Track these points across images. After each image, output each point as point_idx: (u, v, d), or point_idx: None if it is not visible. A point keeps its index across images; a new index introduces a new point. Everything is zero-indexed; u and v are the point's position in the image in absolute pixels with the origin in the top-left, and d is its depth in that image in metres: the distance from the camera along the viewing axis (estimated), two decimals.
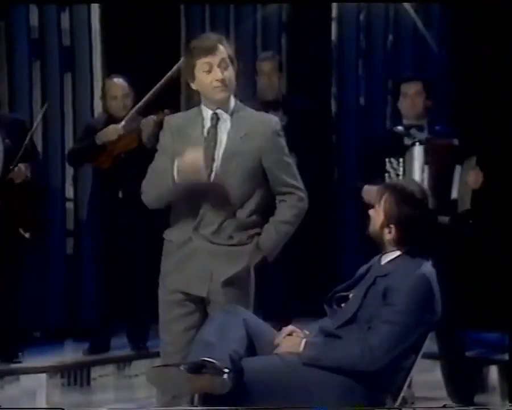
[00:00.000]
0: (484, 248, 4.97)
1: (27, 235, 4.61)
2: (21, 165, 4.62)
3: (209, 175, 3.14)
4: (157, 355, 3.85)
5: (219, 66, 3.14)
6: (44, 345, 5.16)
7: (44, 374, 4.67)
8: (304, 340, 2.97)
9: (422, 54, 5.71)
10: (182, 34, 5.83)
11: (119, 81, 4.98)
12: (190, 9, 5.84)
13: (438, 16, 5.64)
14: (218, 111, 3.20)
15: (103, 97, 5.08)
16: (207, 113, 3.21)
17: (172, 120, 3.29)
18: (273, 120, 3.26)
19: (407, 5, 5.63)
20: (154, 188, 3.18)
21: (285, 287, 5.26)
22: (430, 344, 3.98)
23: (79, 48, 5.62)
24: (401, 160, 4.33)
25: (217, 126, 3.19)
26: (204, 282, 3.15)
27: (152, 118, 4.72)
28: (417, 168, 4.31)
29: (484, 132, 4.96)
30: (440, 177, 4.29)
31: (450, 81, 5.51)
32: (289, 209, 3.22)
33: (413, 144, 4.34)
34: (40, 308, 5.40)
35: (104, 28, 5.65)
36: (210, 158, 3.15)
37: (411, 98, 4.42)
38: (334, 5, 5.85)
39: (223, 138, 3.18)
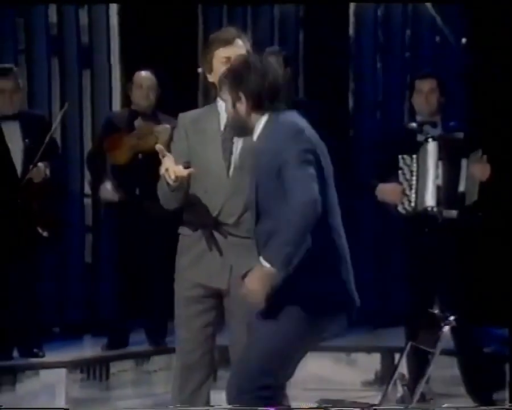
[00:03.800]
0: (497, 242, 4.96)
1: (44, 234, 4.65)
2: (41, 165, 4.65)
3: (228, 169, 3.15)
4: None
5: None
6: (64, 341, 5.20)
7: (64, 369, 4.70)
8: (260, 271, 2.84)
9: (440, 49, 5.69)
10: (199, 31, 5.84)
11: (147, 72, 5.03)
12: (207, 7, 5.85)
13: (456, 12, 5.62)
14: None
15: (129, 89, 5.10)
16: (223, 106, 3.18)
17: (187, 116, 3.28)
18: None
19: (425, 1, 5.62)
20: (163, 192, 3.14)
21: None
22: (448, 341, 4.02)
23: (97, 45, 5.65)
24: (414, 156, 4.33)
25: None
26: (224, 274, 3.14)
27: (167, 127, 4.68)
28: (432, 164, 4.32)
29: (495, 125, 4.96)
30: (451, 172, 4.30)
31: (468, 76, 5.49)
32: None
33: (426, 140, 4.34)
34: (59, 303, 5.44)
35: (122, 25, 5.68)
36: (228, 152, 3.15)
37: (425, 95, 4.42)
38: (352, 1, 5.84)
39: None
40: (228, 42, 3.15)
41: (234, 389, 2.87)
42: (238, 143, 3.16)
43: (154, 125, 4.86)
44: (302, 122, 2.95)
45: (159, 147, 3.05)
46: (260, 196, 2.93)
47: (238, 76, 2.96)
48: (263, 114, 2.96)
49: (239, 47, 3.16)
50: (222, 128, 3.18)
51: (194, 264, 3.17)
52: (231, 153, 3.15)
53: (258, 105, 2.95)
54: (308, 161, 2.84)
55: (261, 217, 2.93)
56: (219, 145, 3.16)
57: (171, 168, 3.02)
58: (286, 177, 2.84)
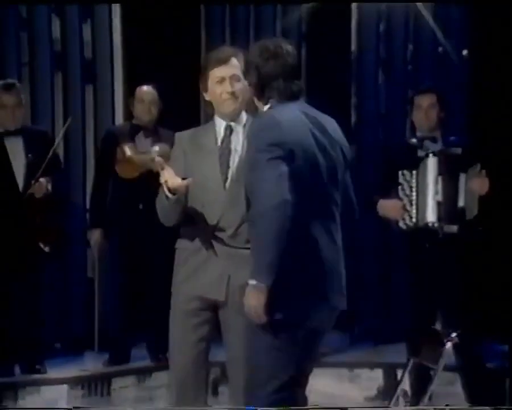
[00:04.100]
0: (499, 257, 4.95)
1: (46, 249, 4.66)
2: (42, 180, 4.66)
3: (225, 182, 3.19)
4: None
5: (231, 78, 3.18)
6: (65, 356, 5.20)
7: (65, 385, 4.70)
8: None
9: (442, 64, 5.70)
10: (202, 47, 5.86)
11: (149, 87, 5.05)
12: (210, 22, 5.86)
13: (457, 26, 5.64)
14: (232, 123, 3.25)
15: (131, 103, 5.11)
16: (221, 124, 3.26)
17: (184, 134, 3.32)
18: None
19: (426, 15, 5.63)
20: (161, 206, 3.19)
21: None
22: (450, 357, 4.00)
23: (100, 60, 5.67)
24: (414, 172, 4.33)
25: (231, 137, 3.24)
26: (222, 285, 3.17)
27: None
28: (431, 180, 4.31)
29: (495, 138, 4.97)
30: (451, 187, 4.30)
31: (469, 90, 5.50)
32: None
33: (426, 155, 4.34)
34: (60, 319, 5.44)
35: (125, 40, 5.70)
36: (225, 166, 3.21)
37: (425, 110, 4.42)
38: (354, 15, 5.85)
39: (237, 147, 3.23)
40: (223, 61, 3.19)
41: (250, 396, 2.89)
42: (235, 157, 3.21)
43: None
44: (287, 114, 2.89)
45: (158, 159, 3.07)
46: (247, 184, 2.96)
47: (244, 64, 3.03)
48: (265, 103, 2.97)
49: (234, 66, 3.19)
50: (219, 143, 3.23)
51: (192, 276, 3.21)
52: (228, 166, 3.21)
53: (258, 93, 2.97)
54: (277, 157, 2.80)
55: (250, 203, 2.95)
56: (216, 159, 3.21)
57: (170, 180, 3.05)
58: (256, 176, 2.84)
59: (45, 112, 5.47)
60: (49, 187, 4.69)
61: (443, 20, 5.64)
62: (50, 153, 4.69)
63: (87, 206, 5.45)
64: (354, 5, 5.81)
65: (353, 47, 5.84)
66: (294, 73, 2.97)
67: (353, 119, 5.86)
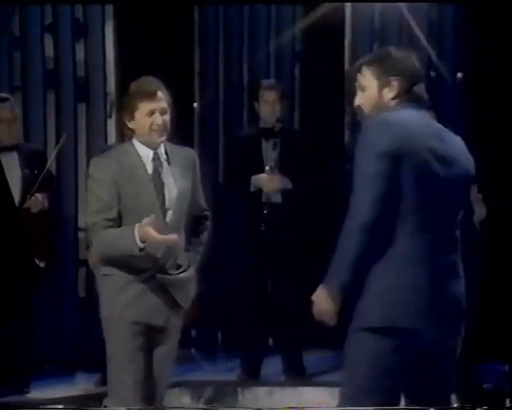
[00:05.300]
0: (499, 281, 4.94)
1: (41, 264, 4.63)
2: (39, 195, 4.64)
3: (164, 213, 3.29)
4: (175, 385, 3.87)
5: (160, 111, 3.31)
6: (56, 377, 5.14)
7: (59, 406, 4.65)
8: None
9: (436, 83, 5.72)
10: (195, 68, 5.88)
11: None
12: (204, 46, 5.88)
13: (451, 47, 5.67)
14: (158, 151, 3.37)
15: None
16: (145, 152, 3.35)
17: (108, 162, 3.34)
18: (192, 151, 3.54)
19: (420, 35, 5.65)
20: (116, 245, 3.25)
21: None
22: None
23: (93, 78, 5.66)
24: None
25: (160, 166, 3.35)
26: (163, 311, 3.35)
27: None
28: None
29: (490, 162, 4.97)
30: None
31: (463, 109, 5.52)
32: (207, 231, 3.58)
33: None
34: (51, 339, 5.38)
35: (118, 58, 5.70)
36: (161, 197, 3.31)
37: None
38: (348, 33, 5.87)
39: (169, 178, 3.34)
40: (151, 95, 3.29)
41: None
42: (170, 189, 3.31)
43: None
44: (406, 118, 2.78)
45: (152, 216, 3.15)
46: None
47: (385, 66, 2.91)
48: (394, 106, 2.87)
49: (161, 99, 3.32)
50: (150, 172, 3.32)
51: (132, 304, 3.31)
52: (164, 197, 3.31)
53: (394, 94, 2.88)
54: (382, 170, 2.65)
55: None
56: (152, 191, 3.30)
57: (156, 234, 3.14)
58: (357, 185, 2.73)
59: (38, 130, 5.46)
60: (46, 203, 4.67)
61: (437, 40, 5.66)
62: (47, 167, 4.68)
63: (79, 224, 5.43)
64: (347, 25, 5.84)
65: (346, 66, 5.85)
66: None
67: (346, 139, 5.86)
